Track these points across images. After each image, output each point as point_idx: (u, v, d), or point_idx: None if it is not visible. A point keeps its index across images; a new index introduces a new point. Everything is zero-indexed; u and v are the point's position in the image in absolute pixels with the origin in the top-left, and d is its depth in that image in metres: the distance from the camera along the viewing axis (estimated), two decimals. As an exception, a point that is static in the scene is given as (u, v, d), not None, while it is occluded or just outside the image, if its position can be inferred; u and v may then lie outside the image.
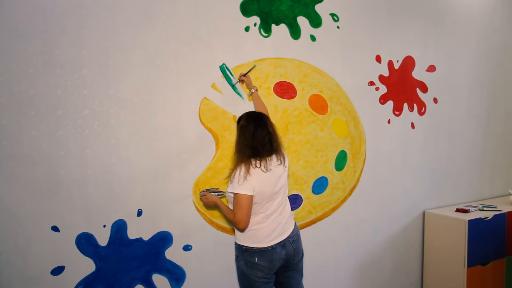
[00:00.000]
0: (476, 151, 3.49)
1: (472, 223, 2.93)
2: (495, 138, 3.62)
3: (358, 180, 2.88)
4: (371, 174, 2.93)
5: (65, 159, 1.97)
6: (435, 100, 3.20)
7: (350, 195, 2.86)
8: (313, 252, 2.72)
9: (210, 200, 2.11)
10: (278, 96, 2.52)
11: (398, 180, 3.09)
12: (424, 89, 3.14)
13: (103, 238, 2.08)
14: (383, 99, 2.95)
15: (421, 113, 3.14)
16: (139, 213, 2.16)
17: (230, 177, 1.99)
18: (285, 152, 2.16)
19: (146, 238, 2.18)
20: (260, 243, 2.00)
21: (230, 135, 2.36)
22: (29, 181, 1.90)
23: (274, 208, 2.03)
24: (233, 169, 1.98)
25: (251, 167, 1.94)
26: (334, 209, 2.79)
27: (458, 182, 3.41)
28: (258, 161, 1.97)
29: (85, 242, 2.04)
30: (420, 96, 3.13)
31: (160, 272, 2.23)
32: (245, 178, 1.92)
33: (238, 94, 2.39)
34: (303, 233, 2.66)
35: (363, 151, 2.89)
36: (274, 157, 2.02)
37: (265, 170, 1.97)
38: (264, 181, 1.96)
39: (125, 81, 2.09)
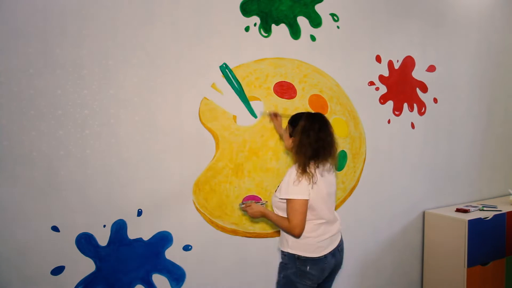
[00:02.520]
0: (476, 151, 3.50)
1: (472, 223, 2.93)
2: (495, 138, 3.62)
3: (358, 180, 2.88)
4: (371, 174, 2.93)
5: (65, 159, 1.97)
6: (435, 100, 3.20)
7: (350, 195, 2.86)
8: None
9: (255, 210, 2.04)
10: (278, 96, 2.52)
11: (398, 180, 3.10)
12: (424, 89, 3.14)
13: (103, 238, 2.08)
14: (383, 99, 2.95)
15: (421, 113, 3.14)
16: (139, 213, 2.16)
17: (284, 182, 1.94)
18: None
19: (146, 238, 2.18)
20: (314, 252, 1.95)
21: (230, 135, 2.36)
22: (29, 181, 1.90)
23: (326, 215, 1.99)
24: (288, 175, 1.94)
25: (308, 170, 1.89)
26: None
27: (458, 182, 3.41)
28: (316, 164, 1.92)
29: (85, 242, 2.04)
30: (420, 96, 3.13)
31: (160, 272, 2.23)
32: (299, 182, 1.87)
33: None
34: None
35: (363, 151, 2.89)
36: (329, 161, 1.98)
37: (321, 175, 1.93)
38: (319, 186, 1.92)
39: (125, 81, 2.09)
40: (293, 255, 1.97)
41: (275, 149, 2.52)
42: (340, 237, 2.09)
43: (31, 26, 1.88)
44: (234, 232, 2.43)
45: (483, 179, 3.57)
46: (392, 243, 3.10)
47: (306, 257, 1.95)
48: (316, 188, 1.91)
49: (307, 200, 1.89)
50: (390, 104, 2.99)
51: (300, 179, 1.88)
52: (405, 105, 3.06)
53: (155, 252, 2.21)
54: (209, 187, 2.32)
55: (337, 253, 2.04)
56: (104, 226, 2.08)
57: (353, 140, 2.83)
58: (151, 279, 2.21)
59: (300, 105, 2.59)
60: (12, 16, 1.84)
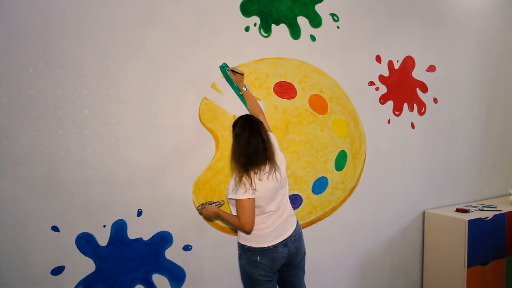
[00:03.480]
0: (476, 151, 3.50)
1: (472, 223, 2.93)
2: (495, 138, 3.62)
3: (358, 180, 2.88)
4: (371, 174, 2.93)
5: (65, 159, 1.97)
6: (435, 100, 3.20)
7: (350, 195, 2.86)
8: (313, 252, 2.71)
9: (210, 212, 2.13)
10: (278, 96, 2.52)
11: (398, 180, 3.10)
12: (424, 89, 3.14)
13: (103, 238, 2.08)
14: (383, 99, 2.95)
15: (421, 113, 3.14)
16: (139, 213, 2.16)
17: (230, 184, 2.01)
18: (283, 155, 2.16)
19: (146, 238, 2.18)
20: (262, 242, 2.03)
21: (230, 135, 2.36)
22: (29, 181, 1.90)
23: (275, 208, 2.05)
24: (233, 176, 2.00)
25: (245, 178, 1.95)
26: (334, 209, 2.79)
27: (458, 182, 3.41)
28: (253, 169, 1.97)
29: (85, 242, 2.04)
30: (420, 96, 3.13)
31: (160, 272, 2.23)
32: (244, 184, 1.93)
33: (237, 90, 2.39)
34: (303, 233, 2.66)
35: (363, 151, 2.89)
36: (267, 166, 2.01)
37: (259, 178, 1.98)
38: (262, 186, 1.98)
39: (125, 81, 2.09)
40: (243, 245, 2.07)
41: (275, 149, 2.52)
42: (294, 227, 2.13)
43: (31, 26, 1.88)
44: (234, 232, 2.43)
45: (483, 179, 3.57)
46: (392, 243, 3.10)
47: (255, 247, 2.03)
48: (260, 188, 1.97)
49: (253, 199, 1.95)
50: (390, 104, 2.99)
51: (238, 187, 1.94)
52: (405, 105, 3.06)
53: (155, 252, 2.21)
54: (209, 187, 2.32)
55: (290, 243, 2.08)
56: (104, 226, 2.08)
57: (353, 140, 2.83)
58: (151, 279, 2.21)
59: (300, 105, 2.59)
60: (12, 16, 1.84)
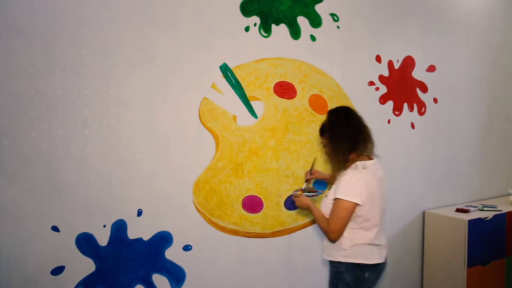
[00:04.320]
0: (476, 151, 3.49)
1: (472, 223, 2.93)
2: (495, 138, 3.62)
3: (358, 180, 2.88)
4: (371, 174, 2.93)
5: (65, 159, 1.97)
6: (435, 100, 3.20)
7: (350, 195, 2.85)
8: (313, 252, 2.71)
9: (303, 203, 1.97)
10: (278, 96, 2.52)
11: (398, 180, 3.09)
12: (424, 89, 3.14)
13: (103, 238, 2.08)
14: (383, 99, 2.95)
15: (421, 113, 3.14)
16: (139, 213, 2.16)
17: (333, 178, 1.86)
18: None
19: (146, 238, 2.18)
20: (373, 258, 1.88)
21: (230, 135, 2.36)
22: (29, 181, 1.90)
23: (379, 216, 1.89)
24: (336, 169, 1.84)
25: (360, 167, 1.79)
26: (334, 209, 2.79)
27: (458, 182, 3.41)
28: (366, 160, 1.83)
29: (85, 242, 2.04)
30: (420, 96, 3.13)
31: (160, 272, 2.23)
32: (353, 182, 1.77)
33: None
34: (303, 233, 2.67)
35: (363, 151, 2.89)
36: (377, 163, 1.88)
37: (372, 172, 1.81)
38: (371, 185, 1.81)
39: (125, 81, 2.09)
40: (351, 263, 1.88)
41: (275, 149, 2.52)
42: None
43: (31, 26, 1.88)
44: (234, 232, 2.43)
45: (483, 179, 3.57)
46: (392, 243, 3.10)
47: (365, 263, 1.87)
48: (369, 188, 1.80)
49: (356, 205, 1.77)
50: (390, 104, 2.99)
51: (354, 178, 1.77)
52: (405, 105, 3.06)
53: (155, 252, 2.21)
54: (209, 187, 2.32)
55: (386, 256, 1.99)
56: (104, 226, 2.08)
57: (353, 140, 2.82)
58: (151, 279, 2.21)
59: (300, 105, 2.59)
60: (12, 16, 1.84)
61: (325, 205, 1.94)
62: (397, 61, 3.00)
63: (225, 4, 2.33)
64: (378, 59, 2.90)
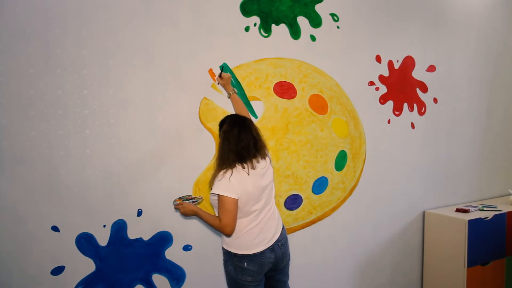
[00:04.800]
0: (476, 151, 3.49)
1: (472, 223, 2.93)
2: (495, 138, 3.62)
3: (358, 180, 2.88)
4: (371, 174, 2.93)
5: (65, 159, 1.97)
6: (435, 100, 3.20)
7: (350, 195, 2.86)
8: (313, 252, 2.72)
9: (187, 209, 1.97)
10: (278, 96, 2.52)
11: (398, 180, 3.09)
12: (424, 89, 3.14)
13: (103, 238, 2.08)
14: (383, 99, 2.95)
15: (421, 113, 3.14)
16: (139, 213, 2.16)
17: (212, 181, 1.93)
18: (270, 154, 2.13)
19: (146, 238, 2.18)
20: (249, 248, 1.96)
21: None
22: (29, 181, 1.90)
23: (260, 211, 1.99)
24: (215, 174, 1.92)
25: (234, 170, 1.89)
26: (334, 209, 2.79)
27: (458, 182, 3.41)
28: (242, 165, 1.92)
29: (85, 242, 2.04)
30: (420, 96, 3.13)
31: (160, 272, 2.23)
32: (229, 180, 1.86)
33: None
34: (303, 233, 2.67)
35: (363, 151, 2.89)
36: (259, 159, 1.98)
37: (248, 172, 1.91)
38: (247, 184, 1.91)
39: (125, 81, 2.09)
40: (230, 252, 1.99)
41: (275, 149, 2.52)
42: (280, 231, 2.07)
43: (32, 26, 1.88)
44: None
45: (483, 179, 3.57)
46: (392, 243, 3.10)
47: (242, 253, 1.96)
48: (244, 186, 1.89)
49: (236, 199, 1.87)
50: (390, 104, 2.99)
51: (229, 178, 1.86)
52: (405, 105, 3.06)
53: (155, 252, 2.21)
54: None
55: (277, 247, 2.03)
56: (104, 226, 2.08)
57: (353, 140, 2.82)
58: (151, 279, 2.21)
59: (300, 105, 2.59)
60: (12, 16, 1.84)
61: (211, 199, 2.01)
62: (397, 61, 3.00)
63: (225, 4, 2.33)
64: (378, 59, 2.90)
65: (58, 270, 1.99)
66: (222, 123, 2.04)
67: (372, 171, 2.94)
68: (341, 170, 2.78)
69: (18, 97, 1.87)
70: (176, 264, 2.27)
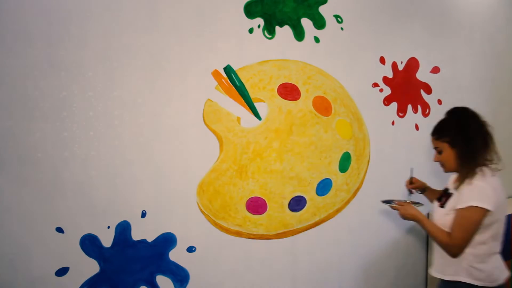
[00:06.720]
0: (480, 152, 3.47)
1: (477, 225, 2.90)
2: (500, 140, 3.57)
3: (362, 182, 2.88)
4: (375, 175, 2.92)
5: (70, 160, 1.98)
6: (440, 102, 3.19)
7: (354, 196, 2.85)
8: (317, 254, 2.71)
9: (409, 213, 1.83)
10: (282, 97, 2.52)
11: (402, 182, 3.08)
12: (428, 90, 3.13)
13: (107, 240, 2.08)
14: (387, 101, 2.94)
15: (425, 114, 3.13)
16: (143, 214, 2.16)
17: (433, 191, 1.72)
18: None
19: (150, 239, 2.19)
20: (499, 278, 1.71)
21: (234, 137, 2.36)
22: (34, 182, 1.91)
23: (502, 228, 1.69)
24: (467, 177, 1.65)
25: (490, 175, 1.60)
26: (338, 211, 2.78)
27: (463, 184, 3.39)
28: (492, 170, 1.65)
29: (89, 243, 2.04)
30: (424, 98, 3.12)
31: (164, 273, 2.23)
32: (491, 190, 1.57)
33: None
34: (307, 235, 2.66)
35: (367, 153, 2.89)
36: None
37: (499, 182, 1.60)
38: (500, 194, 1.64)
39: (129, 83, 2.09)
40: (472, 284, 1.72)
41: (279, 151, 2.52)
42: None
43: (36, 28, 1.88)
44: (238, 234, 2.43)
45: (488, 181, 3.55)
46: (396, 245, 3.09)
47: (493, 286, 1.72)
48: (499, 198, 1.63)
49: (487, 212, 1.57)
50: (394, 105, 2.98)
51: (491, 186, 1.57)
52: (409, 106, 3.05)
53: (159, 253, 2.21)
54: (213, 188, 2.33)
55: None
56: (108, 227, 2.08)
57: (357, 141, 2.82)
58: (155, 280, 2.21)
59: (304, 106, 2.58)
60: (16, 18, 1.85)
61: (440, 216, 1.76)
62: (401, 62, 2.99)
63: (228, 6, 2.33)
64: (382, 60, 2.90)
65: (62, 271, 1.99)
66: (446, 126, 1.80)
67: (376, 172, 2.93)
68: (345, 171, 2.78)
69: (23, 99, 1.87)
70: (180, 266, 2.27)
